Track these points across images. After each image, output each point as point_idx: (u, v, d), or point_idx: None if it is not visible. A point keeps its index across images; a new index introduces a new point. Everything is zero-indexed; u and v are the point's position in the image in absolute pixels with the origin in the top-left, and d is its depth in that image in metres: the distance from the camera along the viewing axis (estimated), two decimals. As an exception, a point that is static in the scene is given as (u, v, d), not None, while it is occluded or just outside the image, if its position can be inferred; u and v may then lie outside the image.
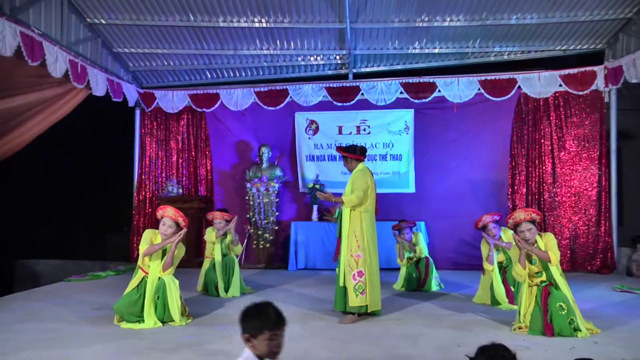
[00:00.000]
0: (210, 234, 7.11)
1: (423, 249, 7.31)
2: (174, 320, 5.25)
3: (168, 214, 5.41)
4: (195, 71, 10.26)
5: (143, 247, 5.31)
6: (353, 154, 5.65)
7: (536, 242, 4.96)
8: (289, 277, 8.50)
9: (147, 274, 5.30)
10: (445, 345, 4.49)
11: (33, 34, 6.60)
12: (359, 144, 5.92)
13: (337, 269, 5.59)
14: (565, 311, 4.69)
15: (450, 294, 7.00)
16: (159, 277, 5.31)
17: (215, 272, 6.92)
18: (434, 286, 7.24)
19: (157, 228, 5.48)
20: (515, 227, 5.05)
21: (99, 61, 8.75)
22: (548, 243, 4.92)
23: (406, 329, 5.07)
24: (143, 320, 5.19)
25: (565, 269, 5.37)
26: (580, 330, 4.67)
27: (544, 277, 4.92)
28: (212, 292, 6.90)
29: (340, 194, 5.59)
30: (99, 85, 8.34)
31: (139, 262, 5.38)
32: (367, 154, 5.82)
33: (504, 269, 6.20)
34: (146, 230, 5.49)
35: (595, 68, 8.85)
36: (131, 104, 9.73)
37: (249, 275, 8.33)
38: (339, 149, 5.78)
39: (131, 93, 9.62)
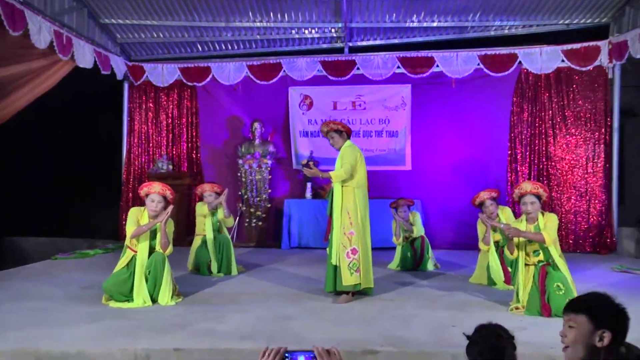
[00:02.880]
0: (201, 208, 7.05)
1: (420, 229, 7.32)
2: (163, 299, 5.26)
3: (155, 189, 5.37)
4: (185, 44, 10.15)
5: (130, 227, 5.27)
6: (344, 128, 5.63)
7: (537, 219, 4.97)
8: (281, 255, 8.52)
9: (136, 252, 5.29)
10: (440, 326, 4.51)
11: (13, 1, 6.45)
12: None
13: (328, 248, 5.58)
14: (563, 291, 4.71)
15: (446, 273, 7.03)
16: (150, 254, 5.30)
17: (207, 250, 6.87)
18: (430, 266, 7.26)
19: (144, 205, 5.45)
20: (519, 199, 5.05)
21: (85, 32, 8.62)
22: (547, 223, 4.91)
23: (400, 310, 5.09)
24: (132, 300, 5.19)
25: (563, 248, 5.39)
26: (579, 311, 4.69)
27: (541, 257, 4.93)
28: (204, 271, 6.85)
29: (328, 170, 5.57)
30: (85, 57, 8.23)
31: (127, 242, 5.36)
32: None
33: (500, 248, 6.22)
34: (132, 209, 5.45)
35: (599, 43, 8.77)
36: (119, 77, 9.63)
37: (241, 254, 8.32)
38: (327, 124, 5.68)
39: (119, 66, 9.52)
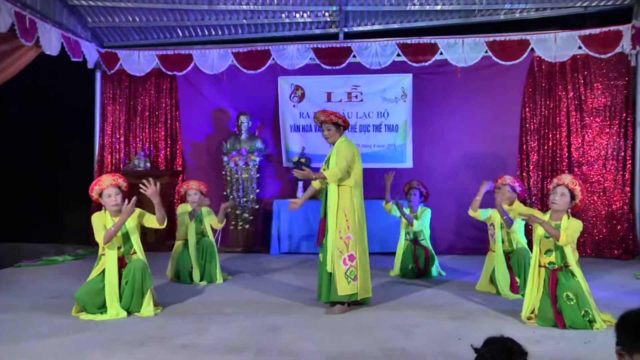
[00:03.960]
0: (183, 212, 7.00)
1: (421, 225, 7.35)
2: (140, 310, 5.25)
3: (106, 183, 5.40)
4: (164, 28, 10.11)
5: (99, 235, 5.27)
6: (344, 122, 5.62)
7: (561, 219, 4.99)
8: (270, 262, 8.52)
9: (109, 258, 5.29)
10: (444, 338, 4.52)
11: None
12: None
13: (320, 254, 5.58)
14: (574, 302, 4.73)
15: (450, 281, 7.05)
16: (128, 261, 5.33)
17: (188, 256, 6.86)
18: (434, 272, 7.30)
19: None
20: (553, 189, 5.09)
21: (51, 15, 8.55)
22: (570, 225, 4.93)
23: (401, 320, 5.10)
24: (106, 311, 5.18)
25: (581, 254, 5.42)
26: (596, 322, 4.72)
27: (553, 258, 4.96)
28: (185, 279, 6.84)
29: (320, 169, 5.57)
30: (52, 42, 8.17)
31: (100, 251, 5.38)
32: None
33: (507, 254, 6.24)
34: (93, 217, 5.43)
35: (620, 27, 8.74)
36: (91, 65, 9.60)
37: (226, 260, 8.33)
38: (327, 113, 5.62)
39: (90, 53, 9.47)
